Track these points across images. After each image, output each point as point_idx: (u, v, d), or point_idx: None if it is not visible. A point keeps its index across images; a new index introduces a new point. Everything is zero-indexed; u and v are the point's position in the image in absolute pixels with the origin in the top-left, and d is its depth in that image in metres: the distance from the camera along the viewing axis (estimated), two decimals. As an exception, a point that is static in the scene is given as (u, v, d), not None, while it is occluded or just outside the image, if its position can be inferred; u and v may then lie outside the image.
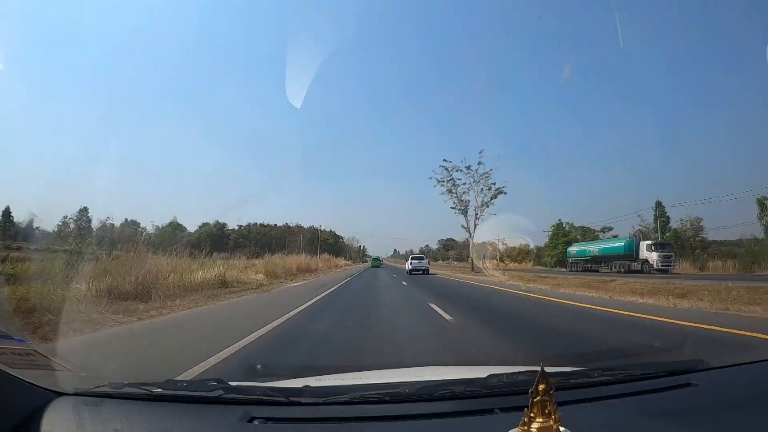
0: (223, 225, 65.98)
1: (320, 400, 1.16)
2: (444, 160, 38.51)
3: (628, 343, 4.90)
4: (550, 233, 50.60)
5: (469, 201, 36.36)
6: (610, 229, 45.88)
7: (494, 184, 35.64)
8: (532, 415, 0.72)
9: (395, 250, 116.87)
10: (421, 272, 27.31)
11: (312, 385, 1.31)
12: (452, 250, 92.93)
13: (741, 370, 1.53)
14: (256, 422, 1.03)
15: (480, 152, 38.61)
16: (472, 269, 32.44)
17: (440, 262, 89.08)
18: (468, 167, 36.19)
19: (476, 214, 36.01)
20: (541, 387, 0.72)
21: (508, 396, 1.18)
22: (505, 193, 35.39)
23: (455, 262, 76.36)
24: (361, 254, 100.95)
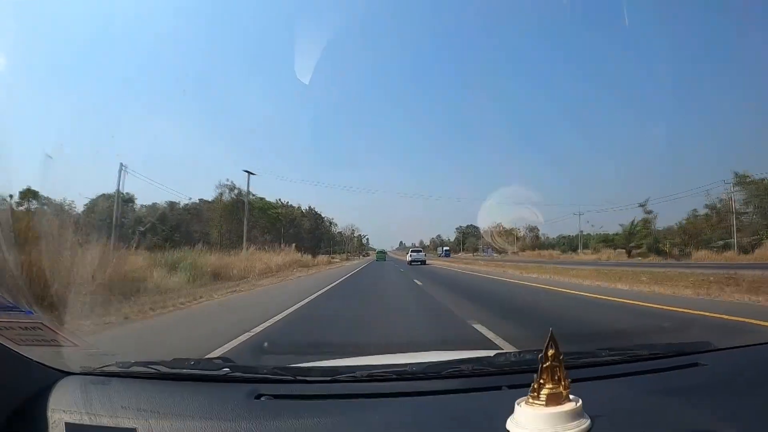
0: (129, 200, 34.61)
1: (327, 378, 1.16)
2: None
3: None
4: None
5: None
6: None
7: None
8: (541, 381, 0.71)
9: (401, 242, 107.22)
10: (419, 263, 31.07)
11: (318, 365, 1.33)
12: (482, 238, 76.05)
13: (748, 352, 1.53)
14: (263, 399, 1.04)
15: None
16: None
17: (463, 254, 71.27)
18: None
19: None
20: (550, 352, 0.71)
21: (515, 374, 1.19)
22: None
23: (496, 255, 57.08)
24: (362, 247, 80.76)
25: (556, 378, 0.72)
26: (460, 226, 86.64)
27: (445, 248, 75.27)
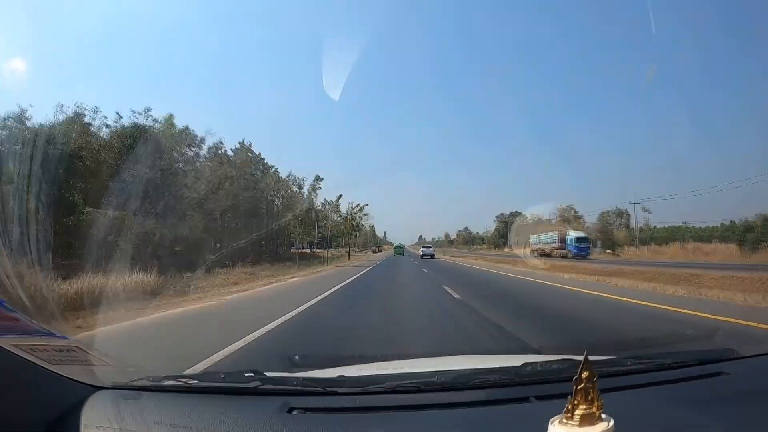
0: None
1: (357, 390, 1.17)
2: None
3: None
4: None
5: None
6: None
7: None
8: (575, 402, 0.71)
9: (421, 236, 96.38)
10: (429, 257, 35.45)
11: (347, 375, 1.33)
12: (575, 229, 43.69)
13: None
14: (295, 412, 1.04)
15: None
16: None
17: (507, 249, 44.31)
18: None
19: None
20: (584, 374, 0.71)
21: (542, 384, 1.18)
22: None
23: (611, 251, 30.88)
24: (354, 231, 39.61)
25: (590, 398, 0.71)
26: (502, 214, 62.13)
27: (584, 236, 31.50)
